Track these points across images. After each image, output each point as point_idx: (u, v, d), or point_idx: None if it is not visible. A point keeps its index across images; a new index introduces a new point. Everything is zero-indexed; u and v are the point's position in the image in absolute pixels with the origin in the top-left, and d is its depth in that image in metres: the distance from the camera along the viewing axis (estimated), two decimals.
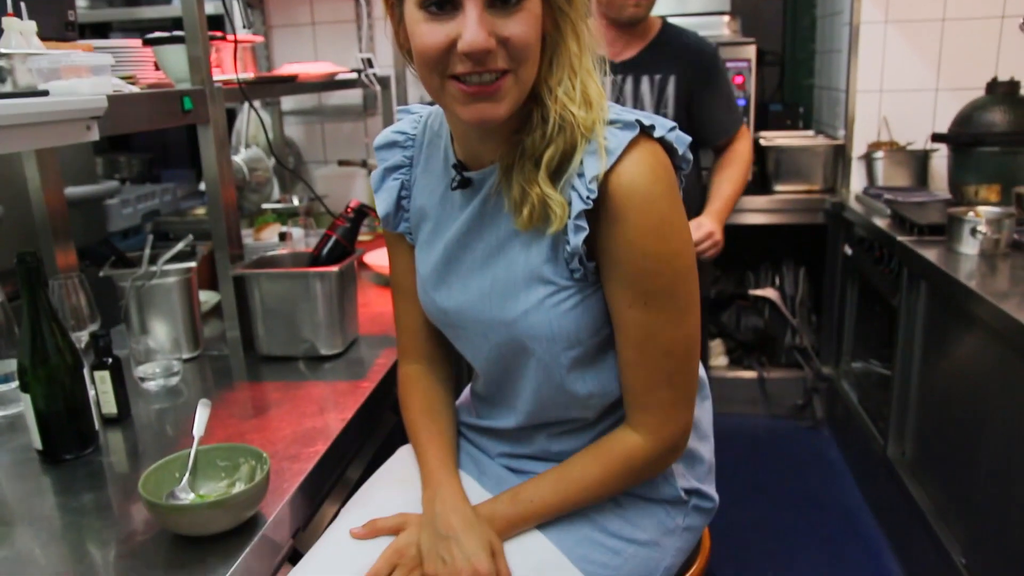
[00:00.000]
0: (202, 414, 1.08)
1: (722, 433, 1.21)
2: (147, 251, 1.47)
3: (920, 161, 2.67)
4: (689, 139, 0.92)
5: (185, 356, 1.50)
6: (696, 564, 1.13)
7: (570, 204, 0.88)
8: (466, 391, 1.21)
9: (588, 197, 0.85)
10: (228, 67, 1.73)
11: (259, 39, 2.18)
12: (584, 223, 0.87)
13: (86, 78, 1.07)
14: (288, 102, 3.13)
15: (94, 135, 1.03)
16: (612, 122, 0.88)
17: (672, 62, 1.89)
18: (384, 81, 2.66)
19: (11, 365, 1.25)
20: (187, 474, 0.99)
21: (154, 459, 1.01)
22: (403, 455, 1.16)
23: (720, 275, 3.18)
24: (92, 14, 2.88)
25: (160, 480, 0.97)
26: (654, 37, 1.92)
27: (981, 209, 1.99)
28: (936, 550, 1.88)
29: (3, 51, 1.04)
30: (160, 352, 1.40)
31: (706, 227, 1.85)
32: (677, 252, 0.90)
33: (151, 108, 1.25)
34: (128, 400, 1.28)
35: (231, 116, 2.75)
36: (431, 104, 1.05)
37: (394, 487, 1.08)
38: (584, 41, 0.89)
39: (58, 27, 1.33)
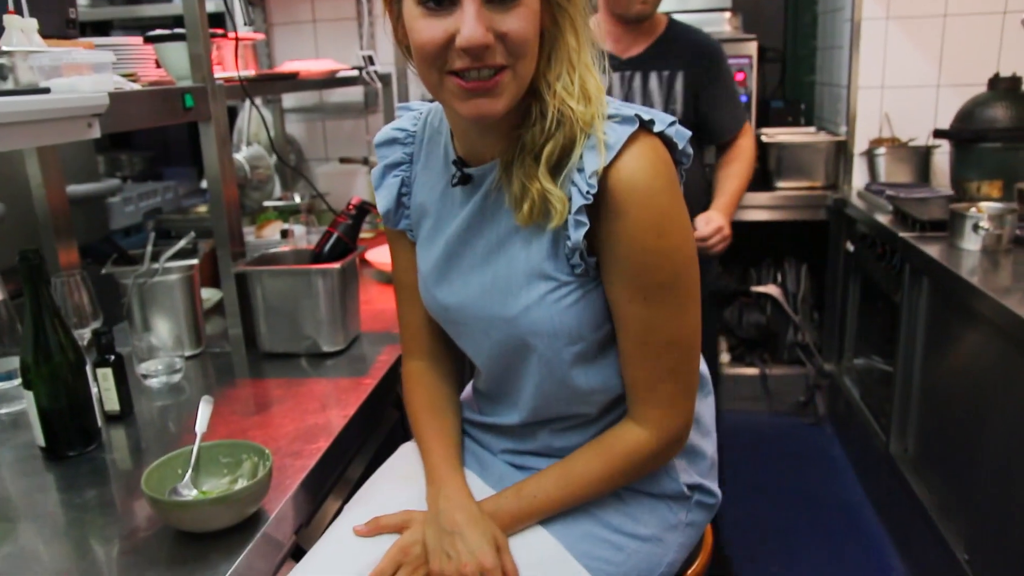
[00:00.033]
0: (204, 411, 1.08)
1: (724, 430, 1.21)
2: (149, 249, 1.47)
3: (922, 157, 2.67)
4: (689, 133, 0.92)
5: (187, 353, 1.51)
6: (698, 560, 1.13)
7: (570, 199, 0.87)
8: (468, 388, 1.21)
9: (588, 192, 0.85)
10: (229, 64, 1.73)
11: (260, 36, 2.18)
12: (584, 218, 0.87)
13: (87, 76, 1.07)
14: (289, 100, 3.13)
15: (95, 132, 1.03)
16: (611, 116, 0.88)
17: (679, 59, 1.90)
18: (385, 78, 2.66)
19: (14, 362, 1.25)
20: (190, 470, 1.00)
21: (157, 456, 1.01)
22: (405, 452, 1.16)
23: (722, 272, 3.17)
24: (93, 12, 2.88)
25: (163, 476, 0.98)
26: (661, 34, 1.92)
27: (983, 205, 1.99)
28: (938, 546, 1.88)
29: (4, 49, 1.04)
30: (162, 349, 1.40)
31: (716, 221, 1.86)
32: (677, 247, 0.90)
33: (152, 106, 1.25)
34: (131, 397, 1.28)
35: (232, 114, 2.75)
36: (432, 101, 1.05)
37: (397, 484, 1.08)
38: (582, 36, 0.89)
39: (59, 25, 1.33)
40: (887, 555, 2.21)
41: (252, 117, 2.68)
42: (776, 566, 2.18)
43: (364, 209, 1.55)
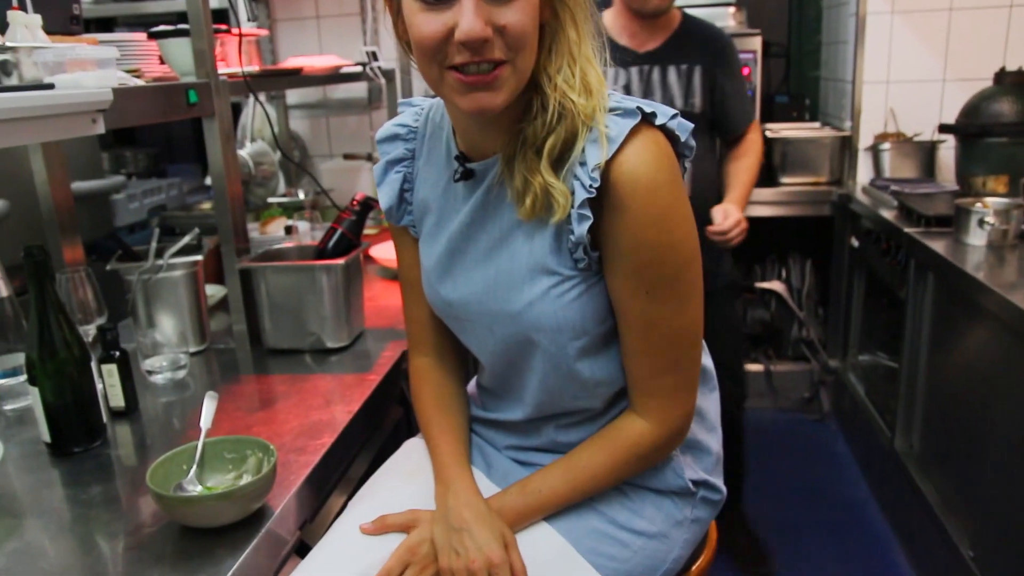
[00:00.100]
0: (209, 407, 1.08)
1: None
2: (153, 245, 1.47)
3: (927, 152, 2.66)
4: (691, 126, 0.92)
5: (192, 349, 1.51)
6: (703, 556, 1.13)
7: (573, 193, 0.87)
8: (472, 384, 1.21)
9: (591, 186, 0.85)
10: (233, 60, 1.73)
11: (264, 32, 2.18)
12: (588, 212, 0.86)
13: (91, 71, 1.07)
14: (293, 96, 3.13)
15: (100, 128, 1.03)
16: (613, 110, 0.88)
17: (697, 52, 1.91)
18: (389, 74, 2.66)
19: (19, 359, 1.25)
20: (194, 466, 1.00)
21: (161, 451, 1.01)
22: (410, 448, 1.16)
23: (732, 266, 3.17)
24: (97, 8, 2.88)
25: (168, 472, 0.98)
26: (677, 28, 1.93)
27: (989, 200, 1.98)
28: (944, 543, 1.88)
29: (9, 45, 1.05)
30: (167, 345, 1.41)
31: (734, 214, 1.88)
32: (681, 241, 0.89)
33: (156, 101, 1.25)
34: (136, 393, 1.28)
35: (236, 110, 2.76)
36: (433, 97, 1.05)
37: (401, 480, 1.08)
38: (583, 28, 0.88)
39: (63, 21, 1.33)
40: (892, 552, 2.21)
41: (256, 113, 2.68)
42: (780, 563, 2.18)
43: (368, 205, 1.55)
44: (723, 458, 1.14)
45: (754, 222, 2.77)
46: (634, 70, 1.89)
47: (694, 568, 1.11)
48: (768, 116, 3.09)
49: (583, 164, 0.86)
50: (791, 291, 3.05)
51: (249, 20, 2.66)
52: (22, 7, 1.16)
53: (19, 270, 1.14)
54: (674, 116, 0.89)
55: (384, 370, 1.39)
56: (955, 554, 1.81)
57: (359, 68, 2.44)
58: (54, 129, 0.96)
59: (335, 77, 2.32)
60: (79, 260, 1.54)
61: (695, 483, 1.05)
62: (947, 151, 2.62)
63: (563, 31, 0.87)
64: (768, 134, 2.87)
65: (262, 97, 2.70)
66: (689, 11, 2.00)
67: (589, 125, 0.87)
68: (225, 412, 1.24)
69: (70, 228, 1.52)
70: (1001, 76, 2.29)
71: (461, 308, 1.02)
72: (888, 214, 2.31)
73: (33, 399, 1.12)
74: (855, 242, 2.65)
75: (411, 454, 1.14)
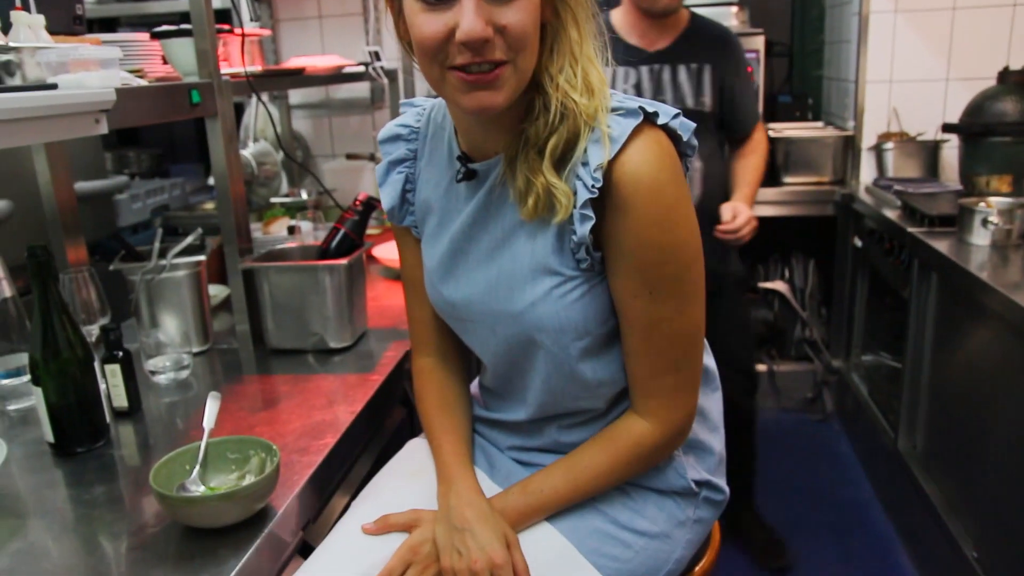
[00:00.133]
0: (212, 407, 1.08)
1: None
2: (156, 245, 1.47)
3: (930, 152, 2.65)
4: (693, 125, 0.91)
5: (195, 349, 1.51)
6: (706, 557, 1.13)
7: (575, 193, 0.87)
8: (474, 384, 1.21)
9: (593, 186, 0.85)
10: (236, 60, 1.73)
11: (266, 32, 2.18)
12: (590, 212, 0.86)
13: (94, 71, 1.08)
14: (296, 96, 3.14)
15: (103, 128, 1.03)
16: (615, 109, 0.88)
17: (706, 52, 1.92)
18: (391, 74, 2.66)
19: (23, 359, 1.26)
20: (197, 466, 1.00)
21: (165, 452, 1.01)
22: (412, 448, 1.16)
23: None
24: (100, 9, 2.88)
25: (171, 472, 0.98)
26: (686, 27, 1.93)
27: (992, 200, 1.97)
28: (947, 543, 1.87)
29: (12, 45, 1.05)
30: (170, 346, 1.41)
31: (744, 212, 1.90)
32: (684, 241, 0.89)
33: (159, 101, 1.25)
34: (139, 393, 1.28)
35: (239, 111, 2.76)
36: (436, 97, 1.05)
37: (404, 480, 1.08)
38: (584, 28, 0.88)
39: (66, 21, 1.33)
40: (895, 552, 2.20)
41: (259, 113, 2.69)
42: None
43: (371, 205, 1.55)
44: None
45: (757, 221, 2.79)
46: (644, 69, 1.90)
47: (697, 569, 1.11)
48: (771, 116, 3.09)
49: (585, 164, 0.86)
50: (794, 291, 3.04)
51: (252, 20, 2.67)
52: (25, 7, 1.16)
53: (23, 270, 1.14)
54: (676, 115, 0.89)
55: (387, 370, 1.39)
56: (959, 554, 1.80)
57: (362, 68, 2.44)
58: (57, 129, 0.97)
59: (338, 77, 2.32)
60: (82, 260, 1.54)
61: (698, 483, 1.05)
62: (950, 151, 2.61)
63: (564, 31, 0.87)
64: (771, 134, 2.86)
65: (265, 97, 2.71)
66: (692, 10, 2.00)
67: (591, 125, 0.87)
68: (228, 412, 1.24)
69: (73, 228, 1.52)
70: (1005, 75, 2.28)
71: (463, 308, 1.02)
72: (891, 214, 2.31)
73: (36, 399, 1.12)
74: (858, 242, 2.65)
75: (414, 454, 1.14)
